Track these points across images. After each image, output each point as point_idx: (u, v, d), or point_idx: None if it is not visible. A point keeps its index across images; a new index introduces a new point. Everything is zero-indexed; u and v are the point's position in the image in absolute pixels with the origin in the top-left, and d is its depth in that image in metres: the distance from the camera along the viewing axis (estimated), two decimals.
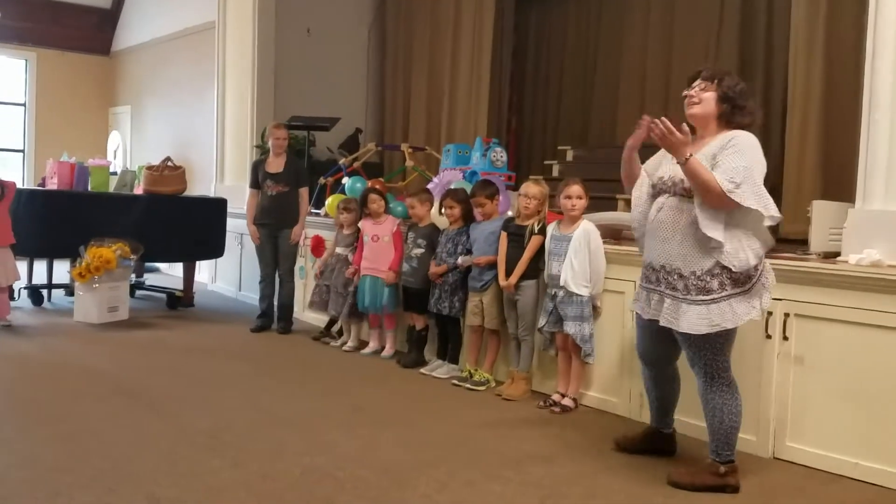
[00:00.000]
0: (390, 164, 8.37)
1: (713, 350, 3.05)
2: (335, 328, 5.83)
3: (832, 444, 3.36)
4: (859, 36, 5.29)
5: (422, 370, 4.95)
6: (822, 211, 3.90)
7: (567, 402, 4.21)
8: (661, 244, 3.08)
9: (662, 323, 3.08)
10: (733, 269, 2.94)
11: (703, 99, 3.08)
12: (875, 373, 3.24)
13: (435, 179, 5.71)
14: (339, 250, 5.63)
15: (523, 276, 4.39)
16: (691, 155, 2.91)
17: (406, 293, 5.16)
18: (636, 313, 3.34)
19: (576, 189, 4.17)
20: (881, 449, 3.22)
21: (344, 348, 5.54)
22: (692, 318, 2.98)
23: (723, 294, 2.95)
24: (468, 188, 5.07)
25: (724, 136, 3.01)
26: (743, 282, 2.96)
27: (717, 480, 3.10)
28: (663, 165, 3.16)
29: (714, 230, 2.92)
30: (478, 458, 3.40)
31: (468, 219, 4.87)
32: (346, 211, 5.61)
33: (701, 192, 2.92)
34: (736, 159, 2.89)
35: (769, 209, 2.90)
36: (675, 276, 3.03)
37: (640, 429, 3.64)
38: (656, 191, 3.17)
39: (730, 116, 3.06)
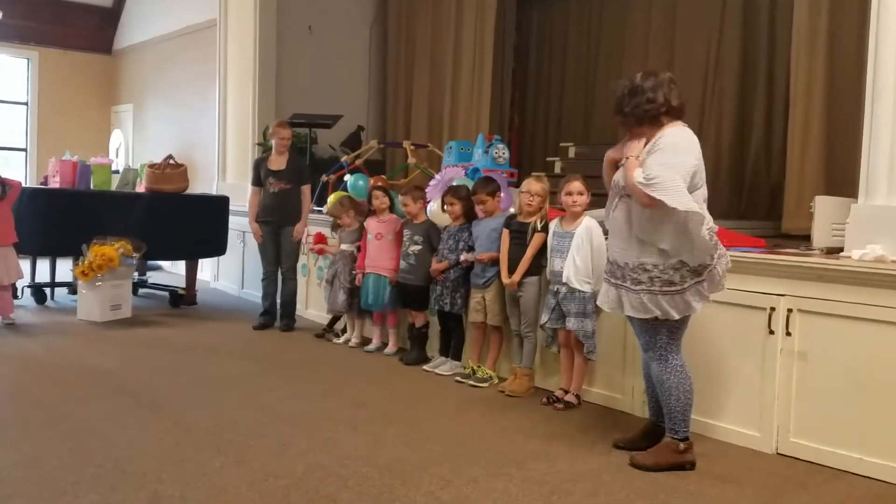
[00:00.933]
0: (392, 162, 8.37)
1: (669, 334, 3.27)
2: (338, 325, 5.83)
3: (836, 439, 3.35)
4: (861, 31, 5.28)
5: (425, 367, 4.95)
6: (824, 206, 3.90)
7: (570, 398, 4.21)
8: (622, 242, 3.27)
9: (627, 312, 3.28)
10: (690, 264, 3.15)
11: (618, 123, 3.36)
12: (879, 368, 3.23)
13: (437, 176, 5.70)
14: (343, 247, 5.64)
15: (526, 273, 4.39)
16: (628, 158, 3.19)
17: (404, 290, 5.16)
18: None
19: (576, 185, 4.17)
20: (885, 444, 3.21)
21: (349, 345, 5.55)
22: (661, 305, 3.17)
23: (685, 285, 3.15)
24: (470, 185, 5.07)
25: (656, 136, 3.19)
26: (699, 272, 3.16)
27: (677, 458, 3.30)
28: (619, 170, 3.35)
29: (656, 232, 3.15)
30: (481, 455, 3.40)
31: (470, 216, 4.86)
32: (337, 218, 5.62)
33: (631, 192, 3.14)
34: (656, 158, 3.10)
35: (683, 202, 3.01)
36: (640, 271, 3.19)
37: (638, 427, 3.65)
38: (614, 193, 3.35)
39: (636, 120, 3.22)
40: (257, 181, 6.15)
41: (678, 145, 3.15)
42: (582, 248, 4.11)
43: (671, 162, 3.08)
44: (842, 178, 5.51)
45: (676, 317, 3.19)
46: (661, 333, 3.28)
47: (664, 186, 3.01)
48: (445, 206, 4.92)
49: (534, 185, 4.46)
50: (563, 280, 4.13)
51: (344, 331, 5.73)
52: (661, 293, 3.16)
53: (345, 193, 6.00)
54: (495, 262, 4.56)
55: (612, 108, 3.32)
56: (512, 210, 4.79)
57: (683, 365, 3.31)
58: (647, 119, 3.19)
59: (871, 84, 3.53)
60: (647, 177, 3.04)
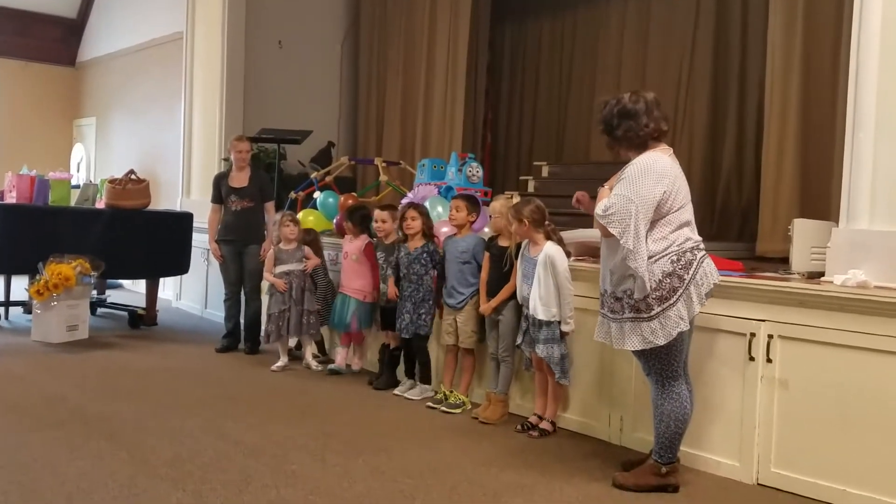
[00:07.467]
0: (363, 179, 8.24)
1: (663, 360, 3.22)
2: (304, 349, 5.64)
3: (819, 470, 3.27)
4: (836, 51, 5.30)
5: (395, 391, 4.80)
6: (803, 230, 3.83)
7: (545, 425, 4.09)
8: (603, 269, 3.30)
9: (611, 344, 3.29)
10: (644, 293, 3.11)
11: (607, 144, 3.32)
12: (863, 397, 3.15)
13: (410, 194, 5.58)
14: (284, 268, 5.37)
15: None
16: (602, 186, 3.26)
17: (383, 312, 5.01)
18: None
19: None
20: (869, 476, 3.13)
21: (272, 369, 5.35)
22: (632, 337, 3.16)
23: (652, 312, 3.10)
24: (443, 204, 4.96)
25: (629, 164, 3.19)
26: (667, 297, 3.09)
27: (659, 480, 3.29)
28: None
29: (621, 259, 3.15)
30: (455, 488, 3.26)
31: (428, 235, 4.75)
32: (293, 223, 5.41)
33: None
34: (617, 188, 3.14)
35: (626, 240, 3.04)
36: (612, 299, 3.21)
37: (641, 457, 3.54)
38: None
39: (619, 143, 3.22)
40: (217, 198, 5.96)
41: (643, 175, 3.10)
42: (544, 277, 3.99)
43: (629, 194, 3.07)
44: (816, 199, 5.49)
45: (661, 342, 3.11)
46: (653, 360, 3.24)
47: (617, 219, 3.06)
48: (404, 222, 4.75)
49: (493, 205, 4.41)
50: (531, 311, 4.02)
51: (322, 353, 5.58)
52: (632, 320, 3.14)
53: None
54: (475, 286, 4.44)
55: (600, 127, 3.27)
56: (486, 230, 4.69)
57: (683, 392, 3.27)
58: (639, 145, 3.16)
59: (852, 108, 3.48)
60: (604, 208, 3.09)
